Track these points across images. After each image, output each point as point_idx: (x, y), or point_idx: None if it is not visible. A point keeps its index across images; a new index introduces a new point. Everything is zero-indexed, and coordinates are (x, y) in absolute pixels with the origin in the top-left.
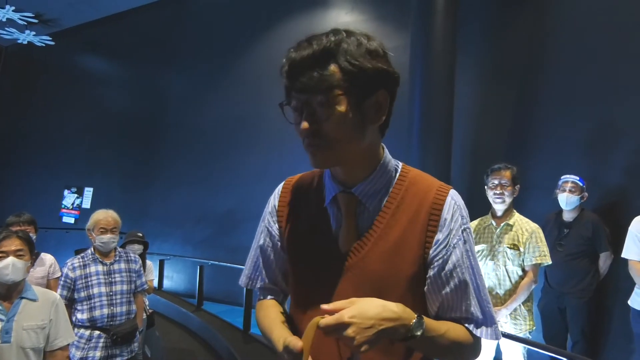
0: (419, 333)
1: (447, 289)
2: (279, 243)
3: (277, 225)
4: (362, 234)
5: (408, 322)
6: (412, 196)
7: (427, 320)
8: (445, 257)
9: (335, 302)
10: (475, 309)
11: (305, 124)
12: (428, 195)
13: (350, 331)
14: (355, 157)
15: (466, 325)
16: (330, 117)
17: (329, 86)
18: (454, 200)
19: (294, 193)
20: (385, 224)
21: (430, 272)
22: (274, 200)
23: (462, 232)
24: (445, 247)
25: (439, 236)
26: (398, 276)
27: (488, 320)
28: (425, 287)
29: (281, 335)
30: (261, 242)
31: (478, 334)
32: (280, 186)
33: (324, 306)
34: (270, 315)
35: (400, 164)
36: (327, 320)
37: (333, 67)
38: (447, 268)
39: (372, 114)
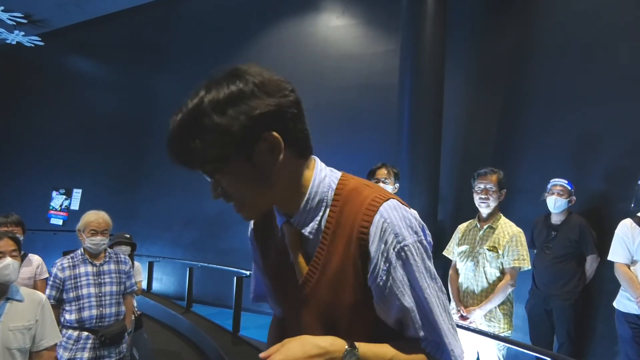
0: None
1: (392, 315)
2: (261, 268)
3: (256, 252)
4: (309, 263)
5: (338, 355)
6: (346, 217)
7: (366, 347)
8: (380, 283)
9: (270, 348)
10: (427, 332)
11: (212, 194)
12: (358, 216)
13: None
14: (279, 197)
15: (425, 347)
16: (225, 184)
17: (200, 162)
18: (382, 217)
19: (264, 221)
20: (325, 251)
21: (373, 299)
22: (249, 230)
23: (399, 253)
24: (377, 274)
25: (371, 263)
26: (344, 305)
27: (443, 346)
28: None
29: None
30: (253, 263)
31: (439, 358)
32: None
33: (262, 355)
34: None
35: (338, 178)
36: None
37: (197, 142)
38: (384, 294)
39: (268, 158)
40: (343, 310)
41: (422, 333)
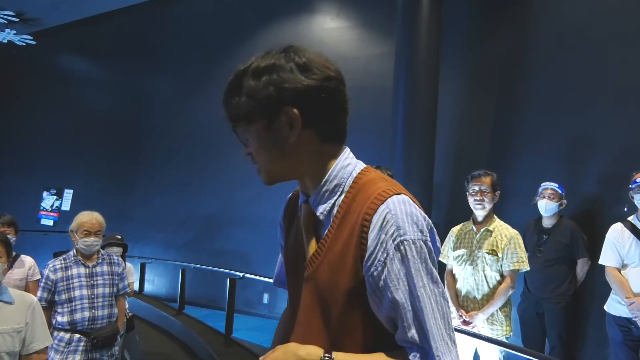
0: None
1: (383, 309)
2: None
3: (282, 235)
4: (318, 244)
5: None
6: (356, 205)
7: (343, 356)
8: (375, 273)
9: (268, 353)
10: (417, 335)
11: (243, 152)
12: (366, 204)
13: None
14: (297, 171)
15: (411, 355)
16: (250, 143)
17: (236, 117)
18: (388, 208)
19: (293, 203)
20: (332, 235)
21: (367, 291)
22: (281, 211)
23: (398, 246)
24: (372, 263)
25: (368, 251)
26: (339, 290)
27: (430, 351)
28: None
29: None
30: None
31: None
32: (288, 196)
33: (261, 358)
34: (275, 332)
35: (359, 169)
36: None
37: (238, 98)
38: (379, 285)
39: (286, 131)
40: (338, 296)
41: (410, 334)
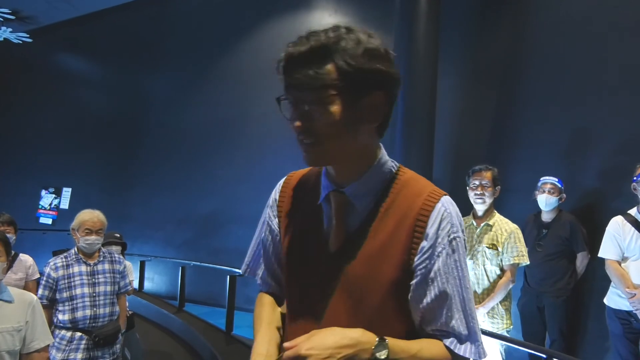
0: (383, 357)
1: (428, 299)
2: (278, 237)
3: (276, 219)
4: (350, 234)
5: (369, 347)
6: (403, 200)
7: (394, 341)
8: (428, 265)
9: (296, 339)
10: (458, 323)
11: (298, 122)
12: (418, 200)
13: None
14: (348, 157)
15: (447, 341)
16: (322, 116)
17: (323, 85)
18: (444, 207)
19: (294, 188)
20: (373, 226)
21: (413, 280)
22: (274, 194)
23: (451, 242)
24: (429, 256)
25: (424, 244)
26: (380, 281)
27: (472, 337)
28: (409, 295)
29: (257, 352)
30: (262, 235)
31: (461, 352)
32: (282, 180)
33: (286, 344)
34: (261, 314)
35: (397, 166)
36: (287, 353)
37: (329, 66)
38: (429, 277)
39: (368, 115)
40: (377, 286)
41: (451, 323)
